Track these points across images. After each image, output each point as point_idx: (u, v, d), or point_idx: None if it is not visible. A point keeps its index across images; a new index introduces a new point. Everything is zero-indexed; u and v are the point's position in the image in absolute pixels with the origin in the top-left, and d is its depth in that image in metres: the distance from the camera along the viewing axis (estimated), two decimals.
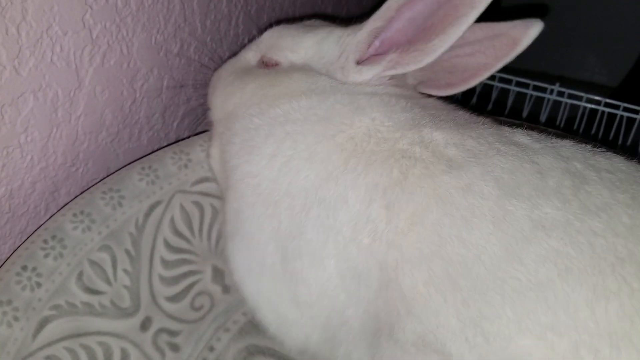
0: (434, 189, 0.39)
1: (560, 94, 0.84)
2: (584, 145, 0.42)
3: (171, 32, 0.61)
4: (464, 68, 0.50)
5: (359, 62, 0.50)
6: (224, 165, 0.50)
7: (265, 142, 0.46)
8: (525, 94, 0.83)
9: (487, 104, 0.86)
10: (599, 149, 0.41)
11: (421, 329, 0.36)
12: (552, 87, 0.84)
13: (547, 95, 0.83)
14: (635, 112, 0.80)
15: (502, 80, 0.84)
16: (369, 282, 0.40)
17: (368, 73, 0.49)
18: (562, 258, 0.34)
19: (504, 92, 0.85)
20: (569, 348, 0.32)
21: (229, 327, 0.54)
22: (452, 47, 0.47)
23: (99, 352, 0.46)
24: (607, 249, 0.34)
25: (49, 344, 0.44)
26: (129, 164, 0.55)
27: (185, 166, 0.56)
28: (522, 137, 0.43)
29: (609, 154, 0.41)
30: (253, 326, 0.54)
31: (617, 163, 0.40)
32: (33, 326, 0.44)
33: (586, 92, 0.83)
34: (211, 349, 0.52)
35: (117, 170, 0.54)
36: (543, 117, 0.84)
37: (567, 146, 0.41)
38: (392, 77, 0.50)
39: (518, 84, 0.83)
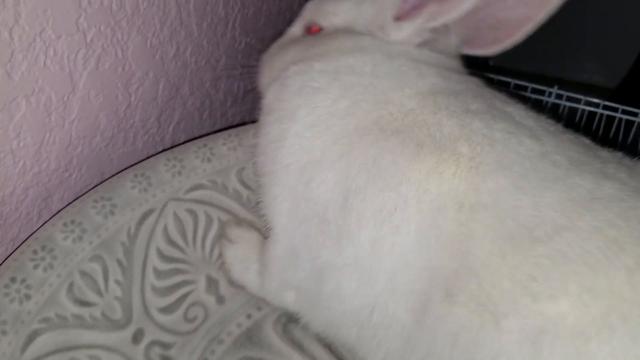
0: (517, 149, 0.39)
1: (559, 96, 0.83)
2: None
3: (167, 35, 0.60)
4: (509, 21, 0.49)
5: (398, 18, 0.49)
6: (274, 107, 0.47)
7: (330, 86, 0.44)
8: (523, 97, 0.82)
9: None
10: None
11: (477, 289, 0.35)
12: (551, 89, 0.83)
13: (545, 98, 0.82)
14: (634, 114, 0.79)
15: (500, 83, 0.83)
16: (442, 229, 0.38)
17: (408, 28, 0.49)
18: (612, 229, 0.34)
19: None
20: (601, 312, 0.32)
21: (223, 339, 0.53)
22: (493, 1, 0.47)
23: None
24: None
25: (38, 358, 0.43)
26: (122, 170, 0.54)
27: (179, 173, 0.55)
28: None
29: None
30: (247, 338, 0.53)
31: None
32: (22, 340, 0.42)
33: (585, 94, 0.82)
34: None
35: (109, 178, 0.53)
36: None
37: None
38: (436, 38, 0.49)
39: (516, 86, 0.82)
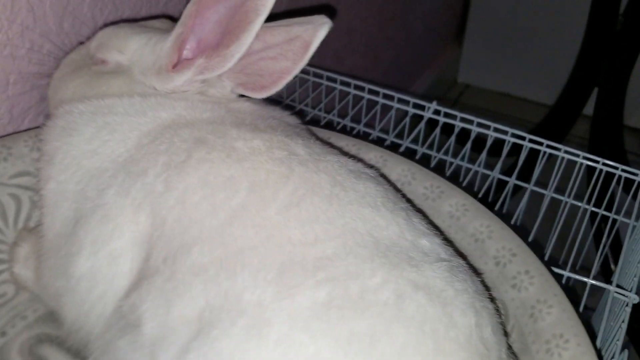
0: (206, 173, 0.44)
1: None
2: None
3: (17, 32, 0.64)
4: (271, 71, 0.54)
5: (173, 67, 0.53)
6: (43, 149, 0.53)
7: (86, 127, 0.51)
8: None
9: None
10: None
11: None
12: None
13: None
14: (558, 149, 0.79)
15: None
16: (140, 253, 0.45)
17: (179, 79, 0.53)
18: None
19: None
20: None
21: (27, 315, 0.57)
22: (258, 51, 0.53)
23: None
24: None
25: None
26: None
27: (5, 159, 0.59)
28: (298, 147, 0.47)
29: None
30: (51, 316, 0.57)
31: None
32: None
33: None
34: (3, 334, 0.56)
35: None
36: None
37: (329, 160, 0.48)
38: (207, 83, 0.54)
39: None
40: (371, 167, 0.54)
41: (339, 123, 0.89)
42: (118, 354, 0.41)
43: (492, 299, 0.46)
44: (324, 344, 0.34)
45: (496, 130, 0.80)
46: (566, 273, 0.60)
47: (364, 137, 0.84)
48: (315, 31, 0.52)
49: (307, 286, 0.37)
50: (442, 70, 2.09)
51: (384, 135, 0.85)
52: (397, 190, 0.53)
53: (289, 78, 0.54)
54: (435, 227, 0.51)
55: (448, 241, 0.49)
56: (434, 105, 0.84)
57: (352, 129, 0.90)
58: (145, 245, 0.45)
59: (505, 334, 0.49)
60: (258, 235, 0.41)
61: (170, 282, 0.40)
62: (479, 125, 0.81)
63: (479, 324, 0.39)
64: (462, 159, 0.81)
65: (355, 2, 1.38)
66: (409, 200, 0.52)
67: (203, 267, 0.40)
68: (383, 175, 0.54)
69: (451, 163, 0.80)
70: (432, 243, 0.44)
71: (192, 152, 0.46)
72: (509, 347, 0.45)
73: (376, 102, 0.89)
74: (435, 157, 0.81)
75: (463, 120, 0.82)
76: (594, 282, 0.59)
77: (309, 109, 0.91)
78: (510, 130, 0.79)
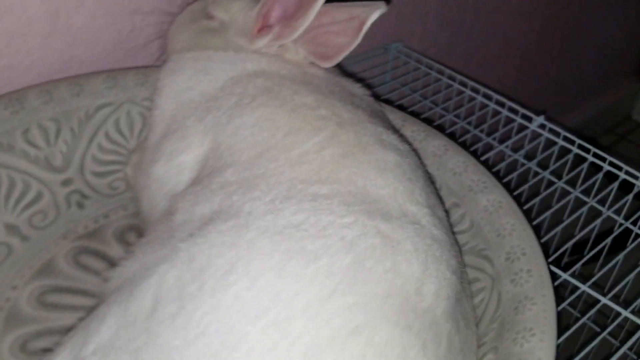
0: (260, 115, 0.55)
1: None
2: None
3: None
4: (334, 44, 0.64)
5: (258, 31, 0.64)
6: (156, 84, 0.67)
7: (188, 69, 0.64)
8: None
9: None
10: None
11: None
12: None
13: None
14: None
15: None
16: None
17: (260, 42, 0.64)
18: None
19: None
20: None
21: (128, 207, 0.73)
22: (325, 25, 0.63)
23: (19, 185, 0.67)
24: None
25: None
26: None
27: (142, 84, 0.74)
28: (344, 111, 0.57)
29: None
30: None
31: None
32: None
33: None
34: (106, 216, 0.71)
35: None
36: None
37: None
38: (284, 47, 0.65)
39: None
40: (408, 143, 0.60)
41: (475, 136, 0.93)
42: (157, 231, 0.53)
43: (463, 277, 0.51)
44: (276, 253, 0.43)
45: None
46: (564, 275, 0.64)
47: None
48: (369, 13, 0.60)
49: (290, 211, 0.45)
50: (613, 102, 1.99)
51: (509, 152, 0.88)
52: (424, 167, 0.59)
53: (346, 52, 0.63)
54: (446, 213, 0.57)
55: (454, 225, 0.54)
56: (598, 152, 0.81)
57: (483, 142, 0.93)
58: (202, 162, 0.56)
59: (469, 311, 0.54)
60: (276, 169, 0.50)
61: (203, 189, 0.51)
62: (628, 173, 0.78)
63: (422, 279, 0.45)
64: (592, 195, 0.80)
65: (516, 14, 1.39)
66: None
67: (228, 184, 0.50)
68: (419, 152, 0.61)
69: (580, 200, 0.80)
70: (420, 211, 0.50)
71: (257, 98, 0.57)
72: (464, 322, 0.50)
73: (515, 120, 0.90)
74: (557, 187, 0.83)
75: (612, 164, 0.79)
76: (569, 278, 0.63)
77: (445, 112, 0.97)
78: None
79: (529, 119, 0.90)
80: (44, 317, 0.61)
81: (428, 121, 0.89)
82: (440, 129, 0.88)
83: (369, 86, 0.70)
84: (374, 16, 0.60)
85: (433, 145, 0.70)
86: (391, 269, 0.43)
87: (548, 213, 0.79)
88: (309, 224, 0.44)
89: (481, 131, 0.93)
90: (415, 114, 0.81)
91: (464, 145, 0.75)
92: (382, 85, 1.02)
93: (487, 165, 0.74)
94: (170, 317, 0.41)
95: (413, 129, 0.72)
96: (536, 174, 0.86)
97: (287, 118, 0.54)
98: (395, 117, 0.73)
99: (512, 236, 0.59)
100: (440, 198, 0.60)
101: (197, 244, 0.44)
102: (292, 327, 0.39)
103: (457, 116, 0.97)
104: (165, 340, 0.40)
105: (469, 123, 0.95)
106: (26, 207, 0.68)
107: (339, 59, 0.64)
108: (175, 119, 0.61)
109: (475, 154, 0.83)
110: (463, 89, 0.97)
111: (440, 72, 1.00)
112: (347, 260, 0.42)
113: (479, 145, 0.91)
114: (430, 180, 0.59)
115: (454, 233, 0.61)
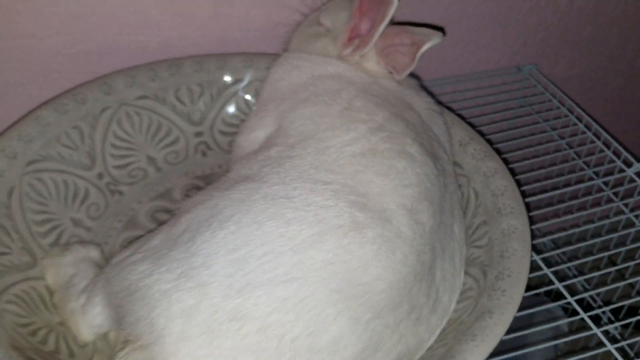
0: (315, 110, 0.70)
1: None
2: None
3: None
4: (400, 62, 0.74)
5: (347, 42, 0.77)
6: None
7: (287, 65, 0.80)
8: None
9: None
10: None
11: None
12: None
13: None
14: None
15: None
16: None
17: (345, 51, 0.77)
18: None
19: None
20: None
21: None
22: (395, 44, 0.74)
23: (164, 129, 0.89)
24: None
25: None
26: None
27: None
28: (388, 119, 0.68)
29: None
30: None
31: None
32: None
33: None
34: (220, 166, 0.91)
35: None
36: None
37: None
38: (365, 57, 0.77)
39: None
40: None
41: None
42: (217, 182, 0.69)
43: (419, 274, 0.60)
44: (264, 214, 0.57)
45: None
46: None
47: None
48: (425, 42, 0.70)
49: (292, 187, 0.57)
50: None
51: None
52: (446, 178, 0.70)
53: (408, 71, 0.74)
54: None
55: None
56: None
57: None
58: (267, 139, 0.72)
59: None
60: (303, 155, 0.62)
61: (251, 158, 0.66)
62: None
63: (369, 262, 0.54)
64: None
65: None
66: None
67: (269, 158, 0.64)
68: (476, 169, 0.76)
69: None
70: (397, 212, 0.59)
71: (320, 96, 0.70)
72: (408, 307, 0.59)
73: None
74: None
75: None
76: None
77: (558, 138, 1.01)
78: None
79: (629, 164, 0.91)
80: (152, 228, 0.82)
81: (532, 144, 0.94)
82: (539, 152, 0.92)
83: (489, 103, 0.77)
84: (427, 45, 0.70)
85: (487, 166, 0.77)
86: (345, 246, 0.55)
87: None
88: (299, 199, 0.58)
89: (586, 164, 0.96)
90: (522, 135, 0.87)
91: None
92: (500, 103, 1.07)
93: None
94: (184, 240, 0.58)
95: (476, 148, 0.80)
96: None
97: (333, 116, 0.67)
98: (465, 134, 0.81)
99: (510, 259, 0.65)
100: (459, 210, 0.69)
101: (222, 195, 0.60)
102: (248, 265, 0.54)
103: (569, 144, 1.00)
104: (176, 254, 0.57)
105: (577, 154, 0.98)
106: (165, 146, 0.90)
107: (404, 75, 0.75)
108: (264, 102, 0.77)
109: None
110: (578, 122, 0.99)
111: (562, 102, 1.02)
112: (311, 231, 0.55)
113: (573, 176, 0.95)
114: (446, 191, 0.68)
115: (466, 243, 0.70)
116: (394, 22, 0.79)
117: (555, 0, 1.09)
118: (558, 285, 0.79)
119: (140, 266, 0.58)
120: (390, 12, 0.69)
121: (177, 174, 0.89)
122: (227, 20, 0.94)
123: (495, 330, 0.58)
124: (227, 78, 0.92)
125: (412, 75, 0.79)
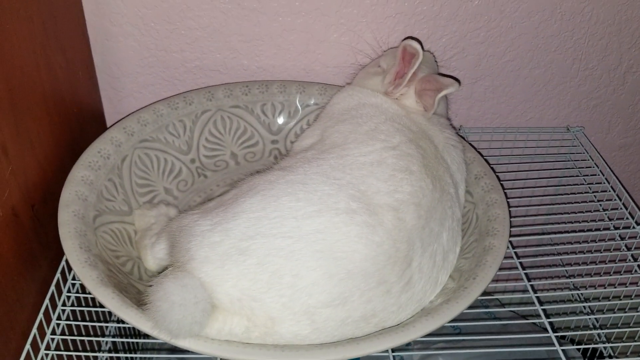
0: (350, 127, 0.91)
1: None
2: None
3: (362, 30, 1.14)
4: (425, 103, 0.94)
5: (392, 81, 0.97)
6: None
7: (345, 93, 1.01)
8: None
9: None
10: None
11: None
12: None
13: None
14: None
15: None
16: None
17: (387, 89, 0.97)
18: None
19: None
20: None
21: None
22: (424, 89, 0.93)
23: (248, 133, 1.13)
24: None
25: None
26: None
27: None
28: (407, 145, 0.87)
29: None
30: None
31: None
32: None
33: None
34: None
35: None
36: None
37: None
38: (404, 95, 0.96)
39: None
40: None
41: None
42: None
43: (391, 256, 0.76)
44: (284, 193, 0.77)
45: None
46: None
47: None
48: (442, 89, 0.87)
49: (310, 177, 0.78)
50: None
51: None
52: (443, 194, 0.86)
53: (432, 111, 0.92)
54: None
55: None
56: None
57: None
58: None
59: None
60: (328, 158, 0.82)
61: (294, 156, 0.87)
62: None
63: (351, 238, 0.73)
64: None
65: None
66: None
67: (305, 158, 0.84)
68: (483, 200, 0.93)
69: None
70: (383, 208, 0.75)
71: (356, 118, 0.90)
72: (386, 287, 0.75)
73: None
74: None
75: None
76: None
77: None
78: None
79: None
80: None
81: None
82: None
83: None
84: (444, 92, 0.88)
85: (490, 197, 0.92)
86: (335, 223, 0.73)
87: None
88: (311, 186, 0.77)
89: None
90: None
91: None
92: (541, 156, 1.20)
93: None
94: (228, 203, 0.79)
95: (486, 182, 0.95)
96: None
97: (360, 134, 0.87)
98: (481, 169, 0.97)
99: (481, 268, 0.80)
100: (452, 223, 0.85)
101: (261, 177, 0.82)
102: (262, 223, 0.74)
103: (604, 208, 1.08)
104: (219, 211, 0.78)
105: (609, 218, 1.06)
106: (247, 147, 1.13)
107: (431, 112, 0.93)
108: (320, 119, 0.98)
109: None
110: (612, 190, 1.08)
111: (597, 164, 1.13)
112: (312, 208, 0.74)
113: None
114: (439, 205, 0.83)
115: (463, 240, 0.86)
116: (438, 73, 0.98)
117: (609, 73, 1.20)
118: None
119: (193, 216, 0.80)
120: (417, 64, 0.89)
121: (251, 170, 1.12)
122: (313, 56, 1.17)
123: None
124: (304, 101, 1.14)
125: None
